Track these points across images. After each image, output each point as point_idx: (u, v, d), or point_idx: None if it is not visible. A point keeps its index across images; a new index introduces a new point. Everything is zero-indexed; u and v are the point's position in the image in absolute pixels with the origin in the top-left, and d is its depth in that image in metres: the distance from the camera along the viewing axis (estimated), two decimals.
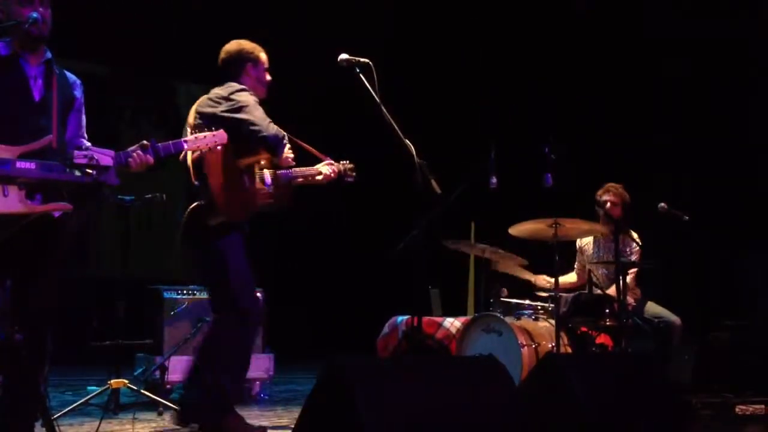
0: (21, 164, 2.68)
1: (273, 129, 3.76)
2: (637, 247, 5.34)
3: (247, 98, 3.81)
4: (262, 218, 3.92)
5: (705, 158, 6.70)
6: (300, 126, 4.16)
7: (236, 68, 3.94)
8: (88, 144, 3.21)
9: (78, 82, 3.25)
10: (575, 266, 5.63)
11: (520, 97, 7.50)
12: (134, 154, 3.10)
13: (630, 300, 5.06)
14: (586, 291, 4.92)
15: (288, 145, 3.84)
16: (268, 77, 4.00)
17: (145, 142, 3.15)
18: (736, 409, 4.44)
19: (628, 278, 4.90)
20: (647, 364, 3.54)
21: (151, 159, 3.15)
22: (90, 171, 2.69)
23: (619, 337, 4.67)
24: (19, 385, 3.02)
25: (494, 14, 7.77)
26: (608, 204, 5.22)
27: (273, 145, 3.77)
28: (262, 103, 3.86)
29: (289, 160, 3.85)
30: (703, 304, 6.12)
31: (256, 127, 3.72)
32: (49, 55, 3.11)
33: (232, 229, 3.76)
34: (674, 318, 5.12)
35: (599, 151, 6.95)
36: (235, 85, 3.85)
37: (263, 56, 3.99)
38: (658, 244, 5.47)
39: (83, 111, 3.26)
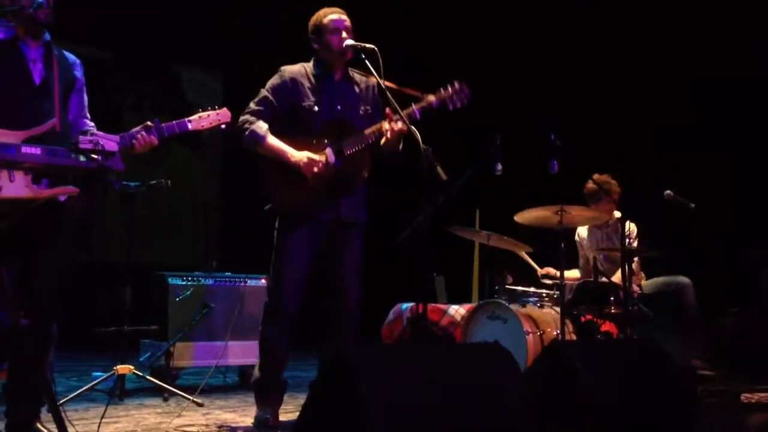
0: (26, 149, 2.67)
1: (240, 119, 3.70)
2: (636, 235, 5.35)
3: (269, 82, 3.80)
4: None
5: (710, 145, 6.66)
6: None
7: (312, 44, 3.84)
8: (92, 124, 3.21)
9: (78, 62, 3.23)
10: (579, 261, 5.61)
11: (525, 83, 7.47)
12: (138, 135, 3.09)
13: (635, 287, 5.06)
14: (592, 279, 4.92)
15: (296, 157, 3.67)
16: (338, 39, 3.72)
17: (149, 123, 3.15)
18: (742, 397, 4.43)
19: (633, 265, 4.90)
20: (652, 351, 3.53)
21: (155, 140, 3.14)
22: (95, 156, 2.68)
23: (624, 324, 4.67)
24: (25, 371, 3.03)
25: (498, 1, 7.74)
26: (614, 191, 5.23)
27: (236, 133, 3.69)
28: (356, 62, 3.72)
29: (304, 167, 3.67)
30: (708, 291, 6.10)
31: None
32: (47, 36, 3.09)
33: (292, 221, 3.71)
34: (682, 278, 5.17)
35: (605, 138, 6.92)
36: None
37: (326, 20, 3.78)
38: (663, 232, 5.46)
39: (84, 91, 3.25)
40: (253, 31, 8.24)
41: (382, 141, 3.73)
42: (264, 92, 3.78)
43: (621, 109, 7.11)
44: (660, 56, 7.05)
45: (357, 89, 3.88)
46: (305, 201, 3.69)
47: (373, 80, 3.86)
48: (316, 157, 3.67)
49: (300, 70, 3.82)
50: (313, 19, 3.84)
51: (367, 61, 3.61)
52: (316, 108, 3.74)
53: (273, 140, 3.68)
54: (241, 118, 3.72)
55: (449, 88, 3.79)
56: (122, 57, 8.50)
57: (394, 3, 8.10)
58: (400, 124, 3.63)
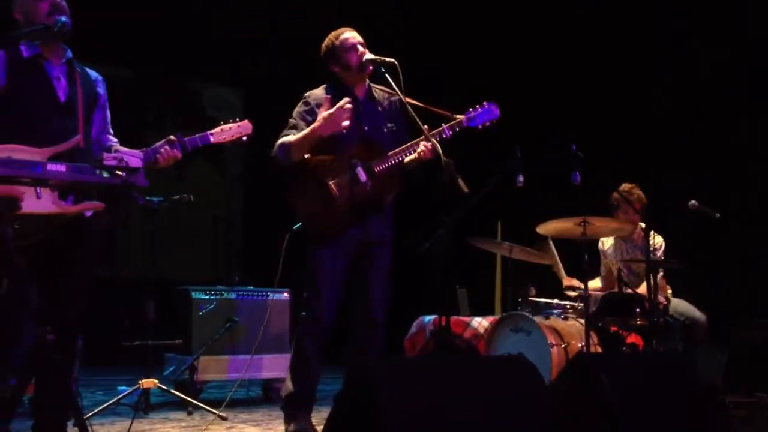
0: (52, 167, 2.70)
1: (278, 142, 3.72)
2: (663, 246, 5.29)
3: (295, 110, 3.81)
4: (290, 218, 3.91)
5: (730, 154, 6.59)
6: None
7: (327, 68, 3.85)
8: (115, 140, 3.24)
9: (100, 78, 3.27)
10: (601, 270, 5.57)
11: (546, 94, 7.45)
12: (162, 149, 3.13)
13: (661, 299, 5.01)
14: (616, 290, 4.88)
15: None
16: (356, 56, 3.75)
17: (172, 137, 3.18)
18: None
19: (658, 277, 4.85)
20: (679, 363, 3.49)
21: (178, 153, 3.18)
22: (120, 173, 2.71)
23: (649, 336, 4.62)
24: (51, 385, 3.05)
25: (520, 11, 7.73)
26: (635, 200, 5.19)
27: (273, 162, 3.72)
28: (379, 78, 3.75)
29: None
30: (732, 302, 6.03)
31: None
32: (69, 54, 3.13)
33: (323, 237, 3.73)
34: (699, 315, 5.10)
35: (627, 148, 6.88)
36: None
37: (339, 41, 3.79)
38: (686, 243, 5.40)
39: (107, 107, 3.29)
40: (272, 47, 8.30)
41: (407, 159, 3.74)
42: (291, 121, 3.80)
43: (643, 119, 7.07)
44: (678, 66, 7.01)
45: (380, 107, 3.89)
46: (334, 221, 3.69)
47: (395, 96, 3.86)
48: (337, 106, 3.62)
49: (322, 94, 3.82)
50: (326, 43, 3.84)
51: (387, 75, 3.62)
52: (343, 130, 3.75)
53: (296, 135, 3.68)
54: (280, 141, 3.73)
55: (479, 108, 3.81)
56: (143, 75, 8.59)
57: (410, 16, 8.11)
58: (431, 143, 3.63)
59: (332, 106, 3.66)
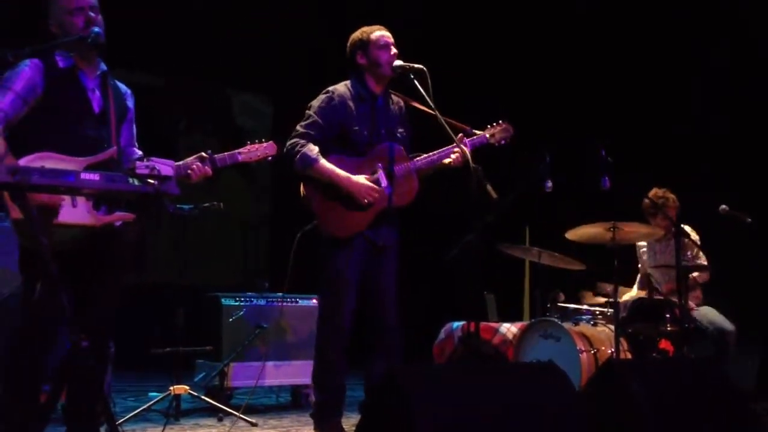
0: (85, 176, 2.75)
1: (289, 142, 3.70)
2: (698, 249, 5.22)
3: (315, 103, 3.80)
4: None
5: (762, 157, 6.51)
6: None
7: (351, 63, 3.83)
8: (140, 153, 3.29)
9: (129, 92, 3.33)
10: (639, 277, 5.51)
11: (574, 98, 7.41)
12: (194, 165, 3.17)
13: (692, 304, 4.96)
14: (647, 295, 4.84)
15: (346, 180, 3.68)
16: (388, 55, 3.74)
17: (203, 153, 3.22)
18: None
19: (695, 276, 4.81)
20: (710, 369, 3.45)
21: (209, 170, 3.22)
22: (152, 181, 2.75)
23: (680, 342, 4.57)
24: (83, 391, 3.09)
25: (547, 17, 7.70)
26: (670, 206, 5.13)
27: (286, 158, 3.69)
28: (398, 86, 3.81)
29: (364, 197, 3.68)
30: (766, 307, 5.94)
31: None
32: (104, 67, 3.18)
33: (341, 240, 3.73)
34: (728, 325, 4.96)
35: (656, 153, 6.82)
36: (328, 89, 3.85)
37: (373, 36, 3.78)
38: (718, 247, 5.34)
39: (134, 120, 3.34)
40: (301, 54, 8.35)
41: (430, 167, 3.77)
42: (313, 116, 3.75)
43: (672, 124, 7.00)
44: (708, 71, 6.94)
45: (391, 113, 3.90)
46: (352, 225, 3.70)
47: (402, 102, 3.92)
48: (372, 185, 3.69)
49: (346, 92, 3.81)
50: (357, 34, 3.82)
51: (415, 81, 3.63)
52: (365, 132, 3.75)
53: (325, 163, 3.67)
54: (290, 141, 3.70)
55: (496, 126, 3.89)
56: (174, 82, 8.67)
57: (431, 23, 8.11)
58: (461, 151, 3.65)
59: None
